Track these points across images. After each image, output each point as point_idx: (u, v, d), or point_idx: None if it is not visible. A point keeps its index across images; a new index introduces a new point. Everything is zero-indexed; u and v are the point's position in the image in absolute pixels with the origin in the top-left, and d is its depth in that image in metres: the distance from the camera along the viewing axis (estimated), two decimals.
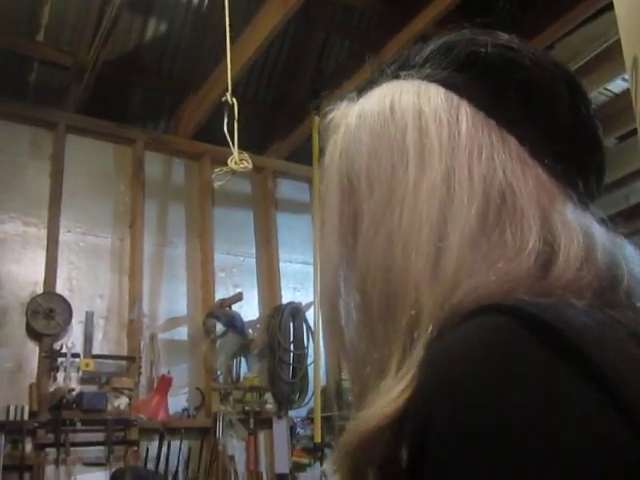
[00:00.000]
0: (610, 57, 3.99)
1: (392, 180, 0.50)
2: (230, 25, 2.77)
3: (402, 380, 0.44)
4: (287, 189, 4.98)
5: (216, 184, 2.54)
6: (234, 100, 2.39)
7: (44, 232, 3.92)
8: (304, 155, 4.61)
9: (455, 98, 0.51)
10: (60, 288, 3.84)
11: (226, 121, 2.36)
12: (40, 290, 3.78)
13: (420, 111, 0.51)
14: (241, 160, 2.38)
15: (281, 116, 4.84)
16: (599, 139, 0.54)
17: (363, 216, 0.51)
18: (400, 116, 0.52)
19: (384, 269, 0.48)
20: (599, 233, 0.47)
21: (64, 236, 3.98)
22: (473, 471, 0.35)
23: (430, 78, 0.53)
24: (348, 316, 0.53)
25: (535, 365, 0.37)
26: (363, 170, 0.53)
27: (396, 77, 0.55)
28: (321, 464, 4.20)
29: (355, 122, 0.55)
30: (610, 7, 1.22)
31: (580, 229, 0.46)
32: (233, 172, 2.40)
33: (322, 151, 0.58)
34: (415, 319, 0.45)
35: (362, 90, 0.58)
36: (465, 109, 0.50)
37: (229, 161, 2.40)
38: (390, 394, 0.44)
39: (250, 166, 2.43)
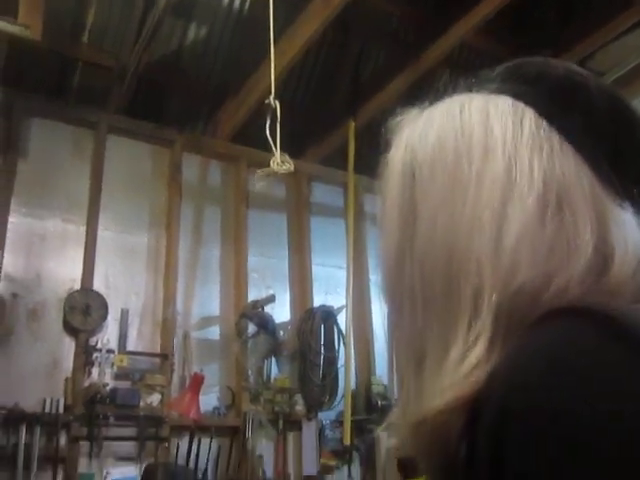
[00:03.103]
0: None
1: (456, 171, 0.54)
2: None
3: (472, 352, 0.47)
4: (321, 194, 5.01)
5: (258, 184, 2.58)
6: (277, 103, 2.43)
7: (83, 230, 4.00)
8: (339, 160, 4.63)
9: (521, 105, 0.55)
10: (97, 285, 3.92)
11: (268, 123, 2.39)
12: (78, 287, 3.86)
13: (487, 113, 0.55)
14: (283, 162, 2.42)
15: (317, 121, 4.87)
16: None
17: (425, 199, 0.56)
18: (468, 116, 0.56)
19: (447, 247, 0.52)
20: None
21: (102, 234, 4.05)
22: None
23: (500, 90, 0.57)
24: (408, 290, 0.56)
25: (629, 374, 0.38)
26: (427, 161, 0.57)
27: (468, 91, 0.60)
28: (349, 467, 4.20)
29: (423, 121, 0.60)
30: None
31: (635, 235, 0.50)
32: (275, 173, 2.44)
33: (386, 146, 0.62)
34: (477, 291, 0.49)
35: (433, 101, 0.62)
36: (530, 114, 0.54)
37: (271, 162, 2.44)
38: (461, 367, 0.47)
39: (292, 168, 2.47)
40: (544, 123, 0.53)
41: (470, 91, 0.59)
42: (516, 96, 0.55)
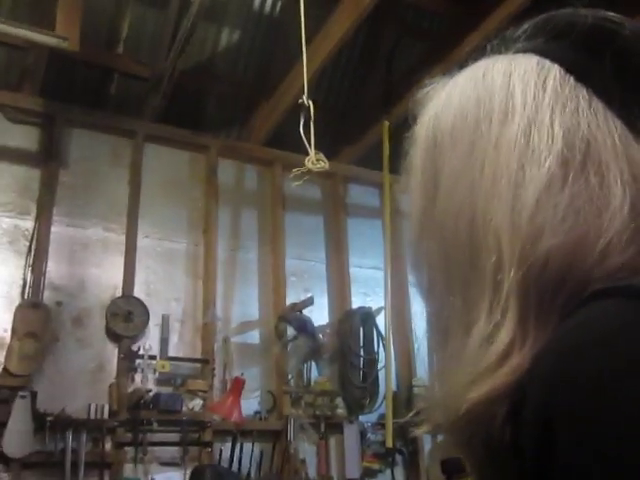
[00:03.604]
0: None
1: (475, 135, 0.52)
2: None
3: (499, 335, 0.44)
4: (357, 194, 4.99)
5: (293, 184, 2.58)
6: (310, 102, 2.43)
7: (123, 237, 4.06)
8: (374, 160, 4.60)
9: (547, 63, 0.52)
10: (138, 291, 3.97)
11: (302, 122, 2.39)
12: (119, 293, 3.91)
13: (510, 74, 0.53)
14: (317, 160, 2.41)
15: (351, 121, 4.85)
16: None
17: (444, 168, 0.53)
18: (490, 79, 0.54)
19: (466, 217, 0.50)
20: None
21: (142, 241, 4.11)
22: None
23: (525, 49, 0.54)
24: (428, 266, 0.55)
25: None
26: (448, 128, 0.55)
27: (494, 53, 0.57)
28: (392, 470, 4.15)
29: (448, 90, 0.58)
30: None
31: None
32: (310, 172, 2.44)
33: (413, 120, 0.60)
34: (497, 265, 0.46)
35: (461, 68, 0.60)
36: (555, 72, 0.51)
37: (306, 161, 2.44)
38: (488, 351, 0.44)
39: (326, 166, 2.46)
40: (570, 79, 0.50)
41: (497, 53, 0.56)
42: (542, 53, 0.53)
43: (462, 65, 0.61)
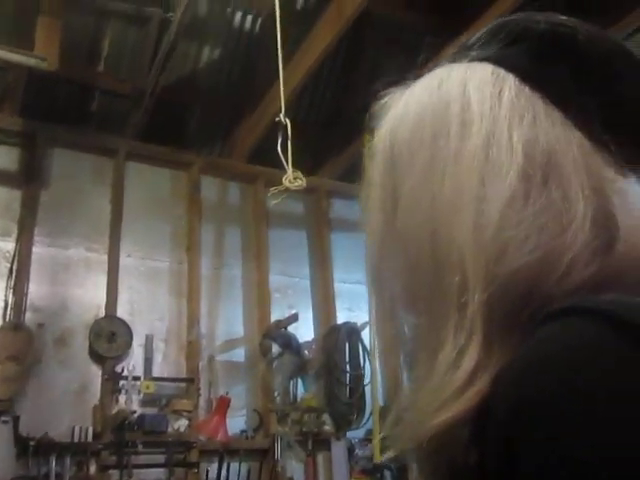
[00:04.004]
0: None
1: (433, 149, 0.51)
2: (282, 47, 2.82)
3: (465, 358, 0.43)
4: (341, 209, 4.98)
5: (272, 202, 2.58)
6: (287, 120, 2.43)
7: (105, 257, 4.03)
8: (357, 174, 4.60)
9: (502, 72, 0.51)
10: (121, 311, 3.93)
11: (280, 141, 2.40)
12: (102, 313, 3.88)
13: (465, 84, 0.52)
14: (295, 178, 2.41)
15: (333, 136, 4.86)
16: None
17: (404, 182, 0.52)
18: (445, 89, 0.53)
19: (429, 234, 0.48)
20: None
21: (124, 261, 4.08)
22: None
23: (480, 57, 0.53)
24: (391, 279, 0.53)
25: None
26: (406, 140, 0.53)
27: (451, 62, 0.56)
28: None
29: (404, 100, 0.57)
30: None
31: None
32: (287, 190, 2.44)
33: (371, 132, 0.59)
34: (461, 286, 0.45)
35: (418, 77, 0.59)
36: (510, 82, 0.50)
37: (284, 179, 2.44)
38: (455, 374, 0.43)
39: (304, 184, 2.47)
40: (526, 89, 0.49)
41: (453, 61, 0.56)
42: (496, 62, 0.52)
43: (418, 74, 0.60)
